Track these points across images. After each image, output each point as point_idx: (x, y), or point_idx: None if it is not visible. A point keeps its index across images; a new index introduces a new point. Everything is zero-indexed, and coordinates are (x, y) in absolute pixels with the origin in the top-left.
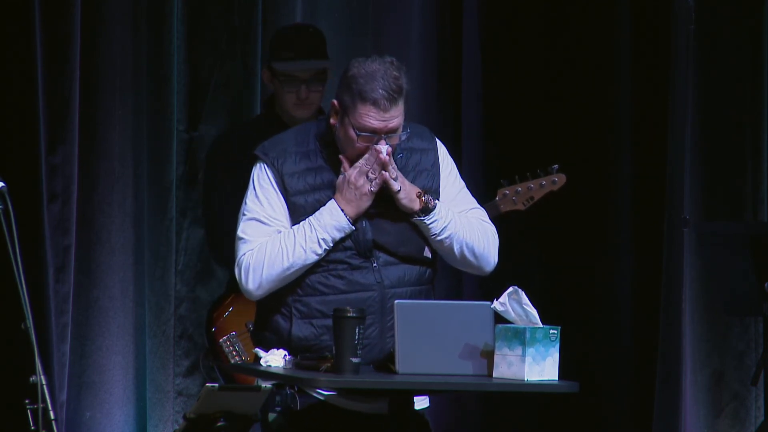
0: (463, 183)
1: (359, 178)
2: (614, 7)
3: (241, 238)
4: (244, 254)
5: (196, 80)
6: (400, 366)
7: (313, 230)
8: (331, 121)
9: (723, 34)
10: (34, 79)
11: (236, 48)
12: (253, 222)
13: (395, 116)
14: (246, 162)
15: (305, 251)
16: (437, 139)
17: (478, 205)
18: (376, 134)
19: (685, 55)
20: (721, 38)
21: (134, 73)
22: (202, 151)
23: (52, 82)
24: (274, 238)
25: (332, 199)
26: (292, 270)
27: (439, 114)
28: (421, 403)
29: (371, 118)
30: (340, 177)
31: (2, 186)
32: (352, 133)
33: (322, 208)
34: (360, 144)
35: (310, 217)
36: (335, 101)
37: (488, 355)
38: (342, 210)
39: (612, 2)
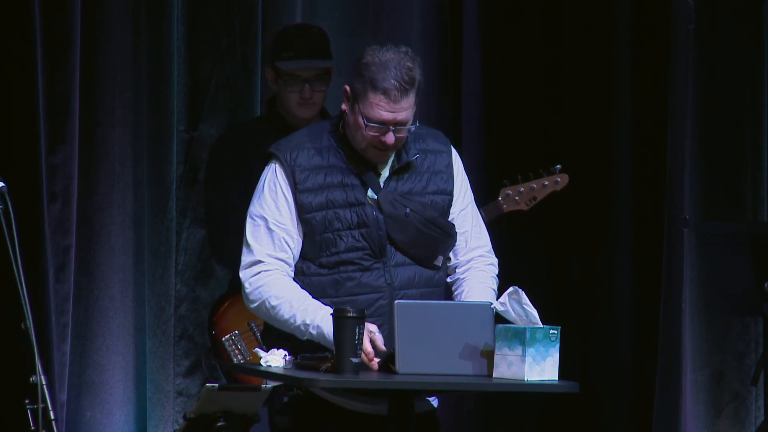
0: (472, 196)
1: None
2: (614, 7)
3: (249, 244)
4: (259, 273)
5: (196, 80)
6: (400, 366)
7: (309, 317)
8: (342, 106)
9: (723, 34)
10: (34, 79)
11: (236, 48)
12: (261, 228)
13: (405, 108)
14: (249, 161)
15: (294, 326)
16: (452, 146)
17: (483, 228)
18: (385, 125)
19: (685, 55)
20: (721, 38)
21: (134, 73)
22: (202, 151)
23: (52, 82)
24: (284, 291)
25: None
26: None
27: (439, 114)
28: (432, 402)
29: (381, 108)
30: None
31: (2, 186)
32: (361, 121)
33: (328, 325)
34: (368, 133)
35: (320, 310)
36: (347, 87)
37: (488, 355)
38: None
39: (612, 2)
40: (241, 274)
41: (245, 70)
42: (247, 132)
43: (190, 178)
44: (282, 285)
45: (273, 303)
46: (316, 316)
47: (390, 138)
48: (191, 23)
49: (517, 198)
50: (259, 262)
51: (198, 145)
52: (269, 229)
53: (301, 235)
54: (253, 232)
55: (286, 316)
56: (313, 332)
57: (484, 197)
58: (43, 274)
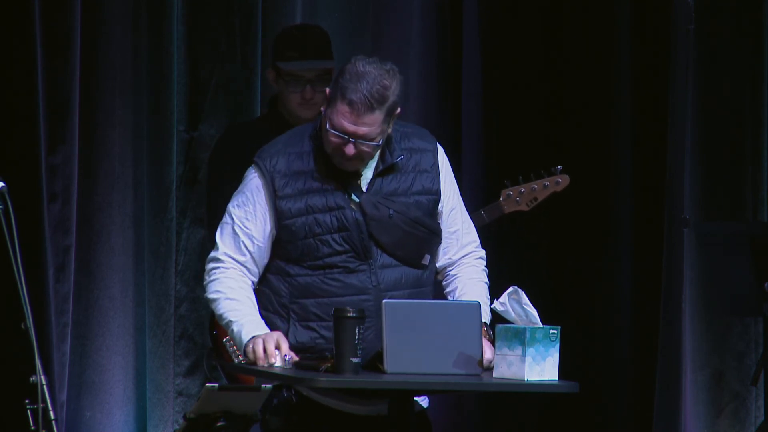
0: (459, 195)
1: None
2: (614, 7)
3: (216, 240)
4: (217, 268)
5: (196, 80)
6: (388, 365)
7: (235, 316)
8: (322, 108)
9: (723, 34)
10: (34, 79)
11: (236, 48)
12: (228, 227)
13: (368, 124)
14: (249, 161)
15: (224, 323)
16: (438, 144)
17: (471, 223)
18: (346, 135)
19: (684, 55)
20: (721, 38)
21: (134, 73)
22: (202, 151)
23: (52, 82)
24: (226, 288)
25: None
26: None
27: (439, 114)
28: (422, 402)
29: (344, 117)
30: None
31: (2, 186)
32: (326, 124)
33: (250, 325)
34: (329, 138)
35: (243, 317)
36: (328, 89)
37: (477, 354)
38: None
39: (612, 2)
40: (206, 266)
41: (245, 70)
42: (247, 132)
43: (190, 178)
44: (229, 282)
45: (213, 297)
46: (239, 318)
47: (350, 149)
48: (191, 23)
49: (518, 199)
50: (219, 260)
51: (198, 145)
52: (234, 231)
53: (270, 240)
54: (221, 229)
55: (219, 311)
56: (234, 329)
57: (484, 197)
58: (43, 274)
